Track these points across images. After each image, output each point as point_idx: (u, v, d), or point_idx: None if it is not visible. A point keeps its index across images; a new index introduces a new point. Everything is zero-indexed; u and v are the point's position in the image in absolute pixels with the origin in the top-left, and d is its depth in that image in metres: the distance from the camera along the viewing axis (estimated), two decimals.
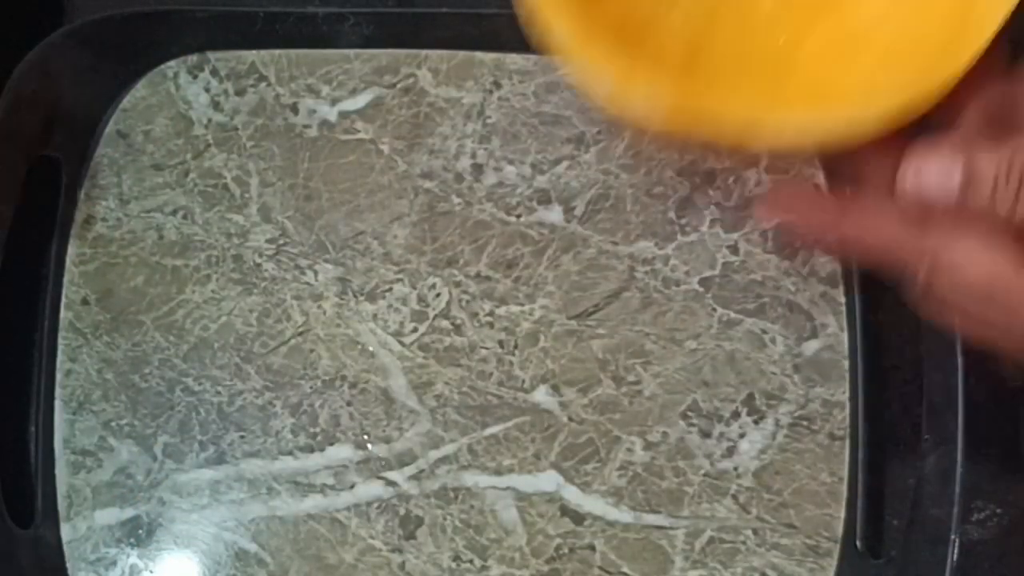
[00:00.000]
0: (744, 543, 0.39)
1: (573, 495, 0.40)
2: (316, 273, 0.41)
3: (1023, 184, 0.26)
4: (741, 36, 0.34)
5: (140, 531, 0.39)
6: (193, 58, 0.41)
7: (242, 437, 0.40)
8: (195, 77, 0.41)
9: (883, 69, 0.32)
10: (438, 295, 0.42)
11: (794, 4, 0.34)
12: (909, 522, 0.38)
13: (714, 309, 0.40)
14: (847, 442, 0.40)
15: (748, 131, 0.29)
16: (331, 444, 0.40)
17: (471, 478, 0.41)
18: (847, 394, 0.40)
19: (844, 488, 0.39)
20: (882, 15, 0.33)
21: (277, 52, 0.41)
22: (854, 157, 0.30)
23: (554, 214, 0.41)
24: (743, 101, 0.29)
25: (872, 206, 0.29)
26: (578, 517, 0.40)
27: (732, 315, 0.40)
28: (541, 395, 0.41)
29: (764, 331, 0.40)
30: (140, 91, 0.41)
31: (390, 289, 0.42)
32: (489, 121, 0.40)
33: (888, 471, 0.41)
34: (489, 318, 0.41)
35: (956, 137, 0.28)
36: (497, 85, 0.41)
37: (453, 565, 0.40)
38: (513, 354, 0.41)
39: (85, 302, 0.40)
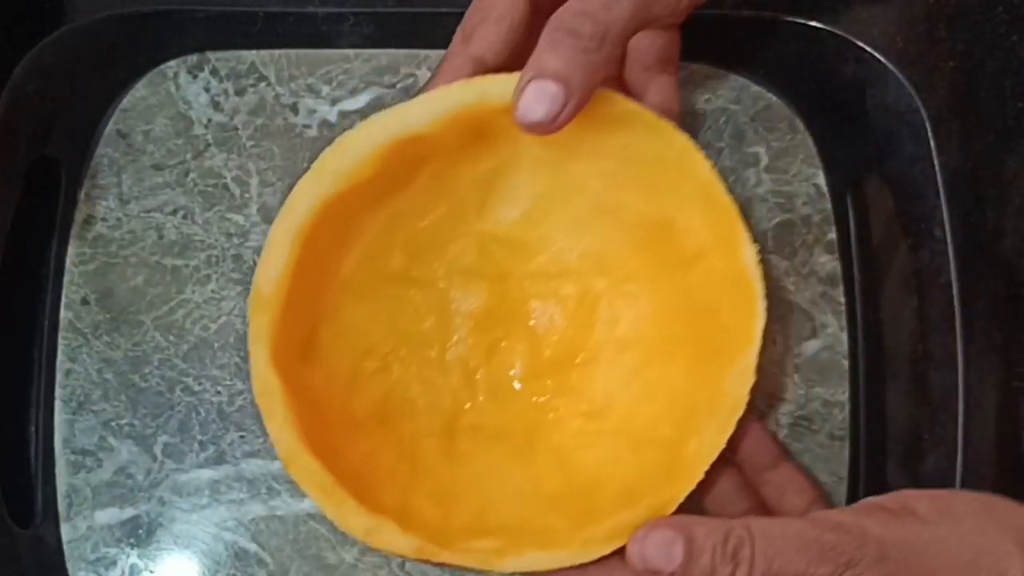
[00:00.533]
0: None
1: None
2: None
3: (736, 559, 0.29)
4: (490, 414, 0.39)
5: (140, 531, 0.39)
6: (193, 58, 0.41)
7: (242, 437, 0.40)
8: (195, 77, 0.41)
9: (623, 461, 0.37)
10: None
11: (537, 379, 0.39)
12: None
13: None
14: (847, 442, 0.40)
15: (487, 569, 0.34)
16: None
17: None
18: (847, 394, 0.40)
19: (844, 488, 0.39)
20: (614, 403, 0.39)
21: (277, 52, 0.41)
22: None
23: None
24: (477, 552, 0.34)
25: (611, 561, 0.33)
26: None
27: None
28: None
29: (764, 331, 0.40)
30: (140, 91, 0.41)
31: None
32: None
33: (888, 471, 0.41)
34: None
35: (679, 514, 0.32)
36: None
37: None
38: None
39: (85, 302, 0.40)
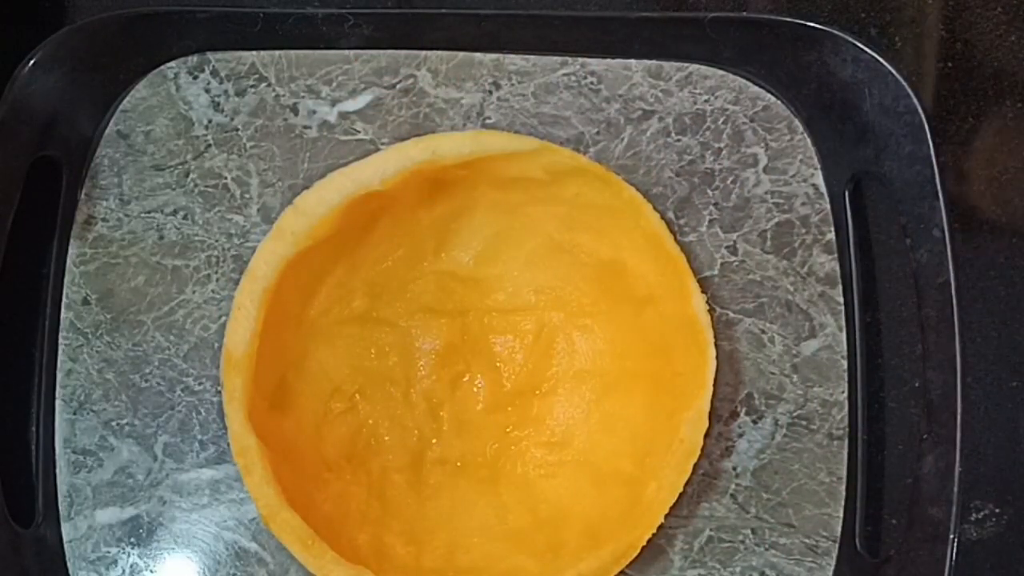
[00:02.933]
0: (743, 542, 0.40)
1: None
2: None
3: None
4: (456, 447, 0.40)
5: (141, 530, 0.39)
6: (193, 59, 0.41)
7: None
8: (195, 78, 0.41)
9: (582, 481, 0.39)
10: None
11: (500, 411, 0.40)
12: (908, 522, 0.38)
13: (712, 309, 0.40)
14: (846, 442, 0.40)
15: None
16: None
17: None
18: (845, 394, 0.40)
19: (843, 488, 0.40)
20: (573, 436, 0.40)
21: (277, 53, 0.41)
22: None
23: None
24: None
25: None
26: None
27: (731, 315, 0.40)
28: None
29: (763, 331, 0.40)
30: (140, 91, 0.41)
31: None
32: (488, 122, 0.40)
33: (887, 471, 0.41)
34: None
35: None
36: (496, 86, 0.41)
37: None
38: None
39: (86, 302, 0.41)
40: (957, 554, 0.36)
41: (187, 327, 0.40)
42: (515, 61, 0.41)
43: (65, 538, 0.39)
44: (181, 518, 0.40)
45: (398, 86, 0.41)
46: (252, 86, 0.41)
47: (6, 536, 0.38)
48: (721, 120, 0.41)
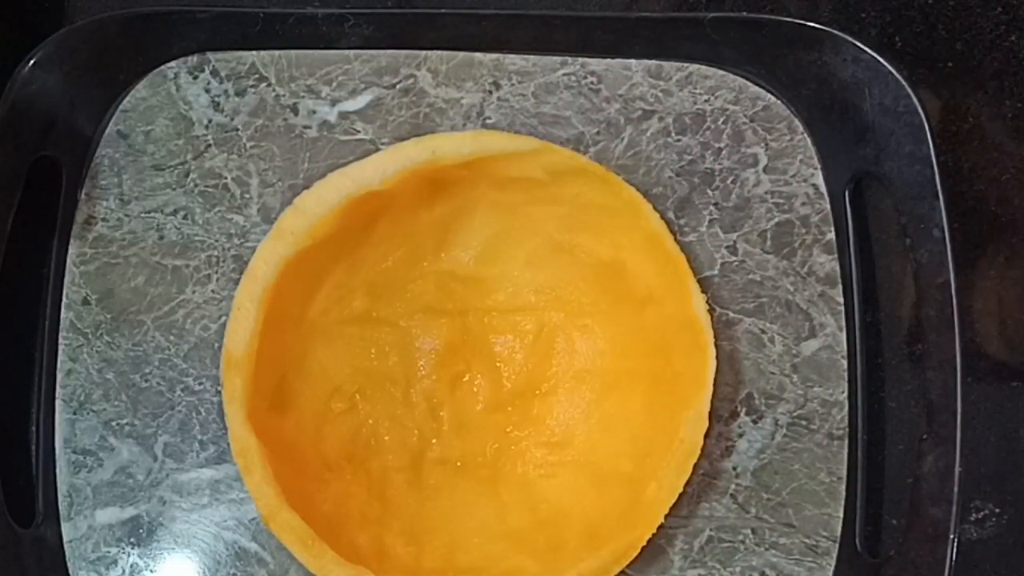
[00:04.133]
0: (743, 542, 0.40)
1: None
2: None
3: None
4: (456, 447, 0.40)
5: (141, 530, 0.39)
6: (193, 59, 0.41)
7: None
8: (195, 78, 0.41)
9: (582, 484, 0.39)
10: None
11: (500, 411, 0.40)
12: (908, 521, 0.38)
13: (713, 309, 0.40)
14: (846, 442, 0.40)
15: None
16: None
17: None
18: (845, 394, 0.40)
19: (843, 488, 0.40)
20: (573, 436, 0.40)
21: (277, 53, 0.41)
22: None
23: None
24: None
25: None
26: None
27: (731, 315, 0.40)
28: None
29: (763, 331, 0.40)
30: (140, 91, 0.41)
31: None
32: (488, 122, 0.40)
33: (887, 471, 0.41)
34: None
35: None
36: (496, 86, 0.41)
37: None
38: None
39: (86, 302, 0.40)
40: (957, 554, 0.36)
41: (187, 327, 0.40)
42: (515, 61, 0.41)
43: (65, 538, 0.39)
44: (181, 518, 0.40)
45: (398, 86, 0.41)
46: (252, 86, 0.41)
47: (6, 536, 0.38)
48: (721, 120, 0.41)
